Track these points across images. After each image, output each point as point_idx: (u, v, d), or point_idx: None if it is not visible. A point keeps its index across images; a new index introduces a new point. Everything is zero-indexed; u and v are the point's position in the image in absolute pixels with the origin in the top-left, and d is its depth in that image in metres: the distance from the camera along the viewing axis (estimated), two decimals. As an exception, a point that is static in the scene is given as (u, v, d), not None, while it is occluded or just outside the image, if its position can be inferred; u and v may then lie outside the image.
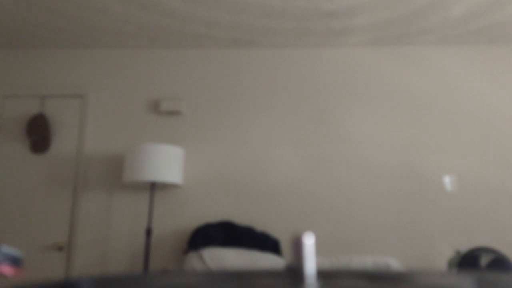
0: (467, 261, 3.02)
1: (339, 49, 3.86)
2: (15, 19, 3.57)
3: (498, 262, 2.99)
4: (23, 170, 3.80)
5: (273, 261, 3.13)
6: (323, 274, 0.56)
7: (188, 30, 3.67)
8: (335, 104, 3.75)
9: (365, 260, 3.09)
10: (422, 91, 3.71)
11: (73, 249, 3.62)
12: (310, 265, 0.52)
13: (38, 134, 3.81)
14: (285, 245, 3.51)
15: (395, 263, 3.07)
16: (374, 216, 3.51)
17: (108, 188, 3.72)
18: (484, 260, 3.01)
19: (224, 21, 3.52)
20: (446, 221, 3.46)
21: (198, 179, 3.68)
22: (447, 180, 3.51)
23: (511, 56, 3.73)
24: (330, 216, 3.54)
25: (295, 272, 0.52)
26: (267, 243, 3.36)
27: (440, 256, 3.39)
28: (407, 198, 3.52)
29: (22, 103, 3.94)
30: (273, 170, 3.65)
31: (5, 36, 3.85)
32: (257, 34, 3.70)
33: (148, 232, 3.33)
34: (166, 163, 3.29)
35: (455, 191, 3.50)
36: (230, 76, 3.88)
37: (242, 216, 3.58)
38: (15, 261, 2.01)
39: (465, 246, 3.38)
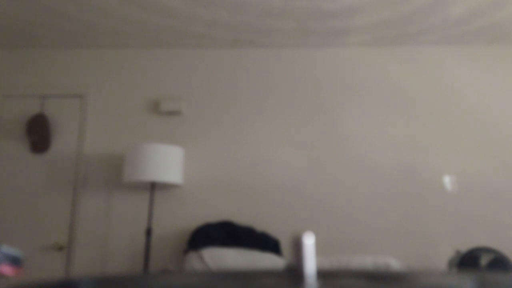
0: (467, 261, 3.02)
1: (339, 49, 3.86)
2: (15, 19, 3.57)
3: (498, 262, 2.99)
4: (23, 170, 3.80)
5: (273, 261, 3.13)
6: (323, 274, 0.56)
7: (188, 30, 3.67)
8: (335, 104, 3.75)
9: (365, 260, 3.09)
10: (422, 91, 3.71)
11: (73, 249, 3.62)
12: (310, 265, 0.52)
13: (38, 134, 3.81)
14: (285, 245, 3.51)
15: (395, 263, 3.07)
16: (374, 216, 3.51)
17: (108, 188, 3.72)
18: (484, 260, 3.01)
19: (224, 21, 3.52)
20: (446, 221, 3.46)
21: (198, 179, 3.68)
22: (447, 180, 3.51)
23: (511, 56, 3.73)
24: (330, 216, 3.54)
25: (295, 272, 0.52)
26: (267, 243, 3.36)
27: (440, 256, 3.39)
28: (407, 198, 3.52)
29: (22, 103, 3.94)
30: (273, 170, 3.65)
31: (5, 36, 3.85)
32: (257, 34, 3.70)
33: (148, 232, 3.33)
34: (166, 163, 3.29)
35: (455, 191, 3.50)
36: (230, 76, 3.88)
37: (242, 216, 3.58)
38: (15, 261, 2.01)
39: (465, 246, 3.38)
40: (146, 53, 3.98)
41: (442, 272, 0.60)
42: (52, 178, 3.77)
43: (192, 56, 3.95)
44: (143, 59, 3.97)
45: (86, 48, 4.03)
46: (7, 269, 1.96)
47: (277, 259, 3.17)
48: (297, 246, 0.52)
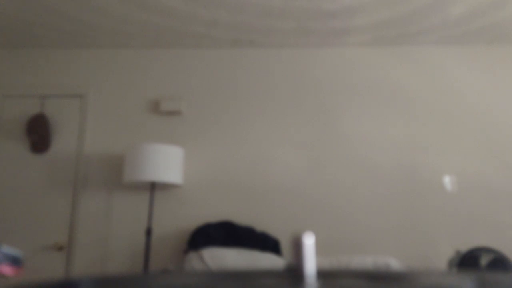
0: (467, 261, 3.02)
1: (339, 49, 3.86)
2: (15, 19, 3.57)
3: (498, 262, 2.99)
4: (23, 170, 3.80)
5: (273, 261, 3.13)
6: (323, 274, 0.56)
7: (188, 30, 3.67)
8: (335, 104, 3.75)
9: (365, 260, 3.09)
10: (422, 91, 3.71)
11: (73, 249, 3.62)
12: (310, 265, 0.52)
13: (38, 134, 3.81)
14: (285, 245, 3.51)
15: (395, 263, 3.07)
16: (374, 216, 3.51)
17: (108, 188, 3.72)
18: (484, 260, 3.01)
19: (224, 21, 3.52)
20: (446, 221, 3.46)
21: (198, 179, 3.68)
22: (447, 180, 3.51)
23: (511, 56, 3.73)
24: (330, 216, 3.54)
25: (295, 272, 0.52)
26: (267, 243, 3.36)
27: (440, 256, 3.39)
28: (407, 198, 3.52)
29: (22, 103, 3.94)
30: (273, 170, 3.65)
31: (5, 36, 3.85)
32: (257, 34, 3.70)
33: (148, 232, 3.33)
34: (166, 163, 3.29)
35: (455, 191, 3.50)
36: (230, 76, 3.88)
37: (242, 216, 3.58)
38: (15, 261, 2.01)
39: (465, 246, 3.38)
40: (146, 53, 3.98)
41: (442, 272, 0.60)
42: (52, 178, 3.77)
43: (192, 56, 3.95)
44: (143, 59, 3.97)
45: (86, 48, 4.03)
46: (7, 269, 1.96)
47: (277, 259, 3.17)
48: (297, 246, 0.52)
